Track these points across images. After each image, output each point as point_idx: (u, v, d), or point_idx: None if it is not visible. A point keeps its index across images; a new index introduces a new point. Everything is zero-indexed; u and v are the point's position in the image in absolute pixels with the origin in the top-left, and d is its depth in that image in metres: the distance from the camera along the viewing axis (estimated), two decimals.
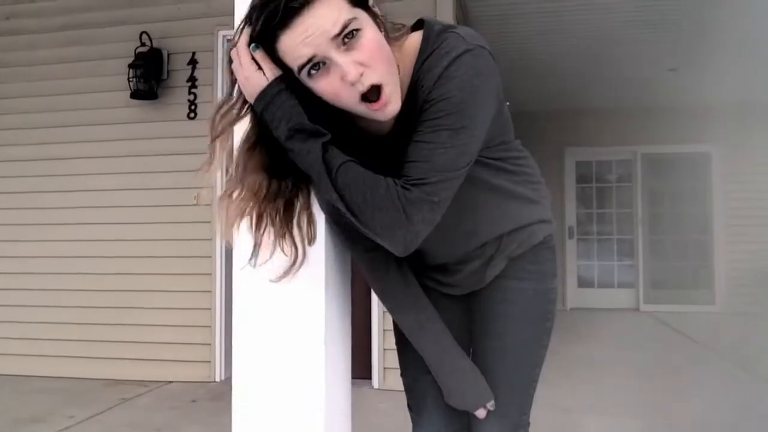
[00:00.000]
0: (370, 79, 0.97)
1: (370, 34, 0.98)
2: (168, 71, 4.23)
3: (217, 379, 4.08)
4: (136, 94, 4.13)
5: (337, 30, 0.94)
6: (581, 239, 8.36)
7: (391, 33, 1.09)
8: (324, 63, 0.96)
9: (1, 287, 4.41)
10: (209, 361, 4.10)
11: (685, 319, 6.90)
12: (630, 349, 5.40)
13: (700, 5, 4.62)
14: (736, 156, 7.68)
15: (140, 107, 4.25)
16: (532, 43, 5.53)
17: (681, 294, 7.85)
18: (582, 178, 8.40)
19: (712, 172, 7.83)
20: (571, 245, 8.28)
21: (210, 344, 4.10)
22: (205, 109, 4.18)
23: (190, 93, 4.21)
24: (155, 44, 4.20)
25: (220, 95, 4.13)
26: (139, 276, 4.20)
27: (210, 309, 4.11)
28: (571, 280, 8.25)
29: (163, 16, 4.28)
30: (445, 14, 3.79)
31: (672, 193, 8.08)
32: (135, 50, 4.15)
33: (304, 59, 0.96)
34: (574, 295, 8.22)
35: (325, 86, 0.98)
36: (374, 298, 3.86)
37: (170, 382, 4.08)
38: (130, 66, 4.12)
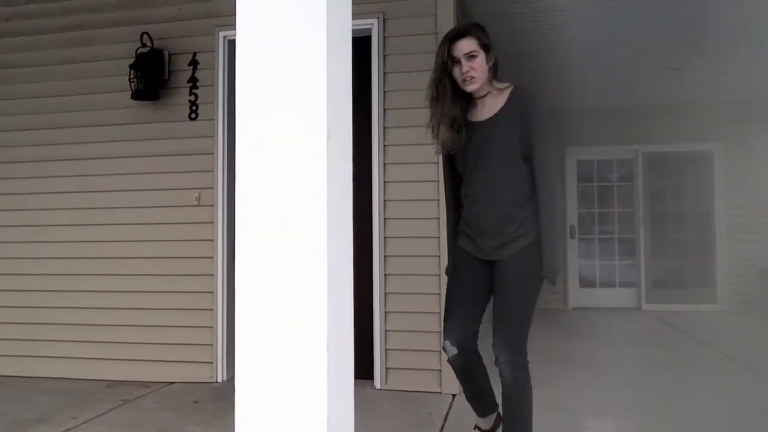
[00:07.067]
0: (471, 74, 2.29)
1: (480, 60, 2.31)
2: (169, 72, 4.23)
3: (219, 380, 4.08)
4: (137, 95, 4.13)
5: (467, 51, 2.30)
6: (583, 239, 8.36)
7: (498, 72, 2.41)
8: (460, 61, 2.29)
9: (1, 288, 4.42)
10: (211, 362, 4.11)
11: (687, 318, 6.91)
12: (631, 348, 5.41)
13: (702, 3, 4.61)
14: (737, 154, 7.69)
15: (141, 108, 4.25)
16: (532, 42, 5.53)
17: (683, 293, 7.85)
18: (583, 177, 8.40)
19: (714, 171, 7.83)
20: (572, 245, 8.28)
21: (212, 345, 4.11)
22: (205, 110, 4.18)
23: (191, 94, 4.21)
24: (156, 45, 4.20)
25: (221, 96, 4.15)
26: (140, 277, 4.21)
27: (212, 310, 4.11)
28: (573, 280, 8.25)
29: (164, 17, 4.28)
30: (446, 13, 3.79)
31: (674, 192, 8.08)
32: (136, 51, 4.15)
33: (457, 57, 2.30)
34: (575, 295, 8.22)
35: (457, 70, 2.30)
36: (376, 298, 3.86)
37: (172, 382, 4.08)
38: (131, 67, 4.12)
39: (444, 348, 2.42)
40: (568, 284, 8.17)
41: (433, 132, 2.36)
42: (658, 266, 8.02)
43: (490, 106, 2.35)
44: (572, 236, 8.27)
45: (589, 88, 7.04)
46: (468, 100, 2.39)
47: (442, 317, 2.47)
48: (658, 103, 7.59)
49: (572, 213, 8.30)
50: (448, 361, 2.44)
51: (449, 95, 2.32)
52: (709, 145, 7.80)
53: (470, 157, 2.36)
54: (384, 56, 3.93)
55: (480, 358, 2.46)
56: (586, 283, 8.32)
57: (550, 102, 7.32)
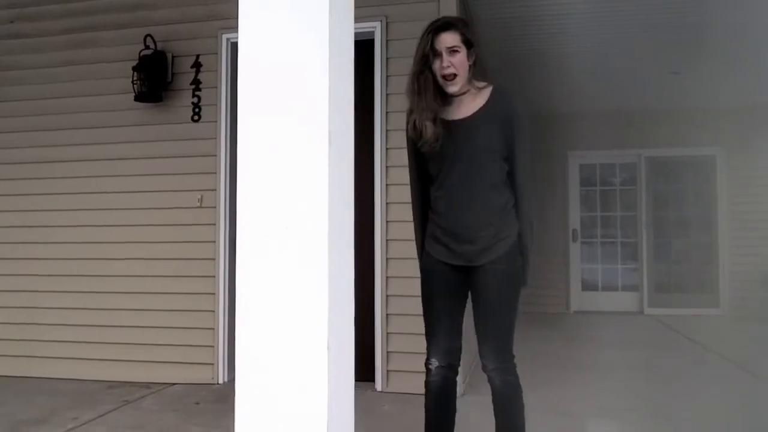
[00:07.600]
0: (451, 71, 2.21)
1: (462, 57, 2.22)
2: (172, 74, 4.25)
3: (220, 381, 4.09)
4: (140, 97, 4.15)
5: (449, 45, 2.20)
6: (585, 242, 8.34)
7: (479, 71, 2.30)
8: (441, 54, 2.20)
9: (3, 289, 4.43)
10: (212, 364, 4.11)
11: (690, 323, 6.89)
12: (634, 352, 5.39)
13: (703, 8, 4.61)
14: (740, 158, 7.67)
15: (144, 110, 4.26)
16: (535, 46, 5.54)
17: (685, 297, 7.83)
18: (586, 181, 8.40)
19: (717, 175, 7.82)
20: (575, 248, 8.27)
21: (213, 346, 4.11)
22: (208, 112, 4.19)
23: (194, 96, 4.22)
24: (159, 47, 4.22)
25: (224, 98, 4.16)
26: (142, 278, 4.21)
27: (213, 311, 4.11)
28: (575, 284, 8.24)
29: (168, 20, 4.29)
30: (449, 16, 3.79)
31: (676, 196, 8.07)
32: (139, 53, 4.17)
33: (439, 50, 2.20)
34: (577, 299, 8.21)
35: (437, 64, 2.21)
36: (377, 300, 3.86)
37: (173, 384, 4.08)
38: (135, 69, 4.13)
39: (428, 365, 2.28)
40: (570, 288, 8.17)
41: (415, 127, 2.24)
42: (660, 270, 8.00)
43: (467, 106, 2.26)
44: (575, 240, 8.26)
45: (591, 91, 7.04)
46: (444, 96, 2.27)
47: (425, 334, 2.31)
48: (660, 107, 7.59)
49: (575, 217, 8.30)
50: (430, 378, 2.29)
51: (431, 89, 2.22)
52: (711, 149, 7.79)
53: (447, 158, 2.24)
54: (387, 59, 3.94)
55: (457, 379, 2.35)
56: (588, 286, 8.30)
57: (551, 106, 7.40)
